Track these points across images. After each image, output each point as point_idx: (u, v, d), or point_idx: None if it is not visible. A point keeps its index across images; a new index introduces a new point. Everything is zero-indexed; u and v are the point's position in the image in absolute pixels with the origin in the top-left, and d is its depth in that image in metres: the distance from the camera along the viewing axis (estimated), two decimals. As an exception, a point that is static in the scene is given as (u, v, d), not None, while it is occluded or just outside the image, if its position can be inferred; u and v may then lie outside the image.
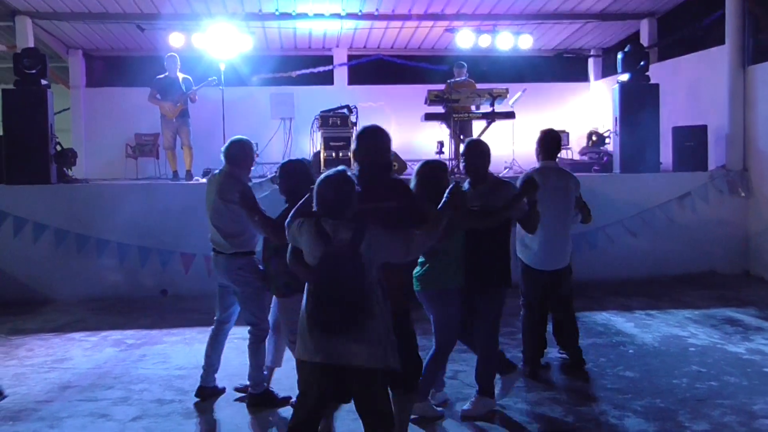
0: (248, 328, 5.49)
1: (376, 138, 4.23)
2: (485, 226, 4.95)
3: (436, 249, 4.77)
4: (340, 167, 3.71)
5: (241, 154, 5.56)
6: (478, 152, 5.22)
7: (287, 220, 3.87)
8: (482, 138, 10.97)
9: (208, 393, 5.60)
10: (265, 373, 5.52)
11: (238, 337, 7.24)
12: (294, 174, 5.19)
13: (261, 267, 5.47)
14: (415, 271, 4.97)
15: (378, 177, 4.09)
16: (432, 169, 4.89)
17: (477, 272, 4.98)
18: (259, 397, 5.44)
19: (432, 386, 5.18)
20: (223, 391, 5.71)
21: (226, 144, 5.62)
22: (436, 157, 12.59)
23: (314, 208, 3.67)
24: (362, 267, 3.49)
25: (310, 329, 3.57)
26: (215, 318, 5.70)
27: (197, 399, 5.55)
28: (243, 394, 5.62)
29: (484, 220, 4.94)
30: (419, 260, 4.98)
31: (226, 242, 5.43)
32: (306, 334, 3.61)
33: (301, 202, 4.00)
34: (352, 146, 4.18)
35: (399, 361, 3.70)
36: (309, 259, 3.67)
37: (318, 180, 3.67)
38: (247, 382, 5.52)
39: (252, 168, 5.81)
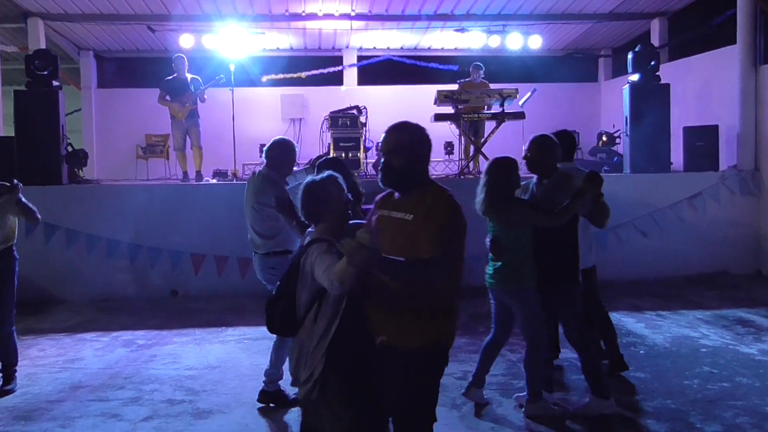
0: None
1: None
2: (556, 224, 4.93)
3: (503, 246, 4.90)
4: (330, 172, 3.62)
5: (281, 156, 5.56)
6: (546, 146, 5.23)
7: None
8: (490, 139, 11.09)
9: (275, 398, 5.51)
10: (281, 373, 5.49)
11: (249, 338, 7.33)
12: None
13: None
14: (487, 269, 5.09)
15: None
16: (503, 166, 5.04)
17: (544, 269, 4.99)
18: (270, 395, 5.45)
19: (543, 385, 5.20)
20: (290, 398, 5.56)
21: (269, 144, 5.62)
22: (446, 158, 12.69)
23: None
24: (294, 279, 3.46)
25: None
26: None
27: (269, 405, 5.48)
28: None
29: (558, 218, 4.90)
30: (489, 257, 5.07)
31: (261, 242, 5.49)
32: None
33: None
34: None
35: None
36: None
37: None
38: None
39: (292, 169, 5.74)
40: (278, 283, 3.51)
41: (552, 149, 5.23)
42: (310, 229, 3.61)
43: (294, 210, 5.07)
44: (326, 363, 3.28)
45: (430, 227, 3.17)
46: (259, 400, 5.45)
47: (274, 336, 6.99)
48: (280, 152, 5.56)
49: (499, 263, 4.98)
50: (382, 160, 3.38)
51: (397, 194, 3.41)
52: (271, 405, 5.43)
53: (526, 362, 5.05)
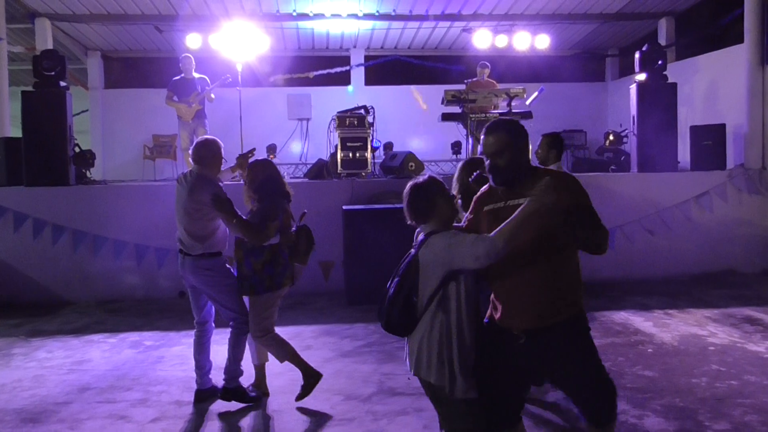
0: (231, 322, 5.52)
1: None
2: None
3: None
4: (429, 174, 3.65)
5: (208, 154, 5.51)
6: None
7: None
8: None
9: (206, 395, 5.59)
10: (241, 369, 5.58)
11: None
12: (264, 175, 5.35)
13: (229, 267, 5.53)
14: None
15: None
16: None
17: None
18: (231, 392, 5.46)
19: None
20: (221, 390, 5.68)
21: (196, 144, 5.60)
22: (453, 158, 12.69)
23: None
24: (416, 273, 3.45)
25: None
26: (195, 321, 5.68)
27: (198, 402, 5.54)
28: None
29: None
30: None
31: (194, 243, 5.39)
32: None
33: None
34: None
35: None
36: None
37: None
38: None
39: (221, 167, 5.71)
40: (395, 280, 3.49)
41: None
42: (418, 229, 3.65)
43: (232, 207, 5.16)
44: (452, 360, 3.39)
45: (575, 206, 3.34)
46: (221, 398, 5.47)
47: (286, 339, 7.06)
48: (206, 150, 5.53)
49: None
50: (488, 162, 3.48)
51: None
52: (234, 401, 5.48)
53: None
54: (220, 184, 5.51)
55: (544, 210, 3.17)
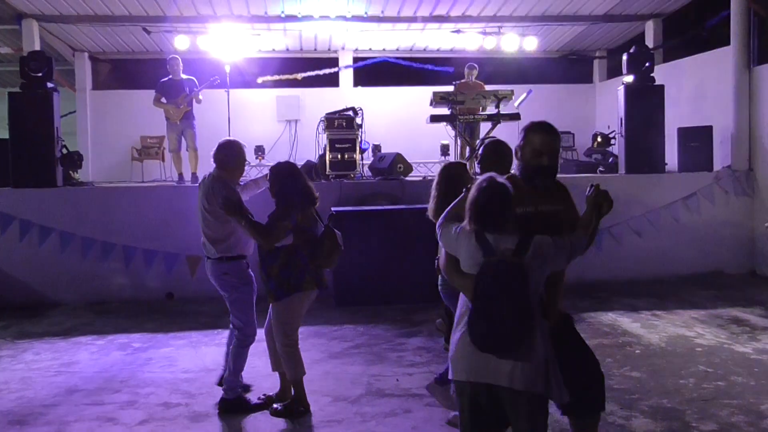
0: (235, 332, 5.44)
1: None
2: None
3: None
4: (490, 174, 3.39)
5: (228, 156, 5.48)
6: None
7: (439, 221, 3.61)
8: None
9: (236, 405, 5.46)
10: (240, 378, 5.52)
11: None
12: (283, 176, 5.25)
13: (250, 271, 5.47)
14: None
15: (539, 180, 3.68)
16: (455, 169, 5.12)
17: None
18: (230, 403, 5.37)
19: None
20: (250, 387, 5.73)
21: (216, 146, 5.55)
22: (442, 159, 12.70)
23: (469, 219, 3.36)
24: (527, 280, 3.19)
25: (464, 346, 3.28)
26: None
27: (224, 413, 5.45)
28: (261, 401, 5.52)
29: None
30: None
31: (212, 247, 5.37)
32: (461, 351, 3.32)
33: (454, 203, 3.63)
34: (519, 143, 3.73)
35: (561, 385, 3.33)
36: (467, 269, 3.36)
37: (475, 187, 3.36)
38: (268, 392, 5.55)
39: (243, 170, 5.73)
40: (499, 302, 3.18)
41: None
42: (457, 227, 3.43)
43: (242, 209, 5.09)
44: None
45: (575, 214, 3.71)
46: (220, 409, 5.37)
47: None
48: (228, 153, 5.49)
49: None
50: (537, 162, 3.55)
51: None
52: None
53: None
54: (234, 186, 5.47)
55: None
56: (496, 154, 4.91)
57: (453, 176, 5.03)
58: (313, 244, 5.18)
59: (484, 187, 3.30)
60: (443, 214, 3.61)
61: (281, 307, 5.16)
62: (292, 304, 5.19)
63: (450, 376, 3.42)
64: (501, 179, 3.34)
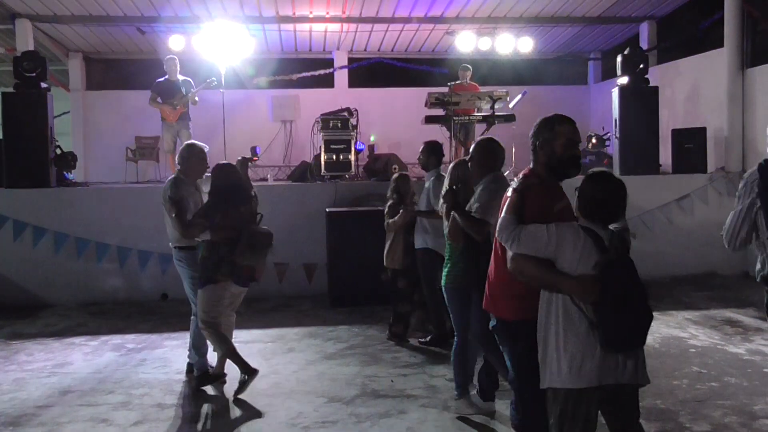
0: (193, 315, 6.06)
1: None
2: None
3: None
4: (601, 169, 3.43)
5: (182, 158, 6.00)
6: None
7: (500, 224, 3.46)
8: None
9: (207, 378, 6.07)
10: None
11: (239, 341, 7.28)
12: (214, 176, 5.71)
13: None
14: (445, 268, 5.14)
15: None
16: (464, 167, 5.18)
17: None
18: (207, 376, 6.03)
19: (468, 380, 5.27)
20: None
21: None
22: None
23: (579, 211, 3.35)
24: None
25: (585, 350, 3.18)
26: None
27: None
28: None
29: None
30: (447, 258, 5.15)
31: (170, 235, 6.08)
32: (582, 357, 3.19)
33: (508, 205, 3.51)
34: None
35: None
36: (576, 268, 3.21)
37: (590, 182, 3.33)
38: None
39: (200, 171, 6.10)
40: (625, 293, 3.17)
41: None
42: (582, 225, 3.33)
43: (176, 204, 5.63)
44: None
45: None
46: (197, 386, 5.94)
47: (268, 341, 7.09)
48: (182, 156, 6.02)
49: (457, 264, 5.09)
50: (574, 152, 3.54)
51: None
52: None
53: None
54: (186, 185, 5.90)
55: None
56: (488, 152, 4.92)
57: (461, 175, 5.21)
58: (232, 242, 5.53)
59: (602, 180, 3.30)
60: (502, 217, 3.45)
61: (201, 295, 5.68)
62: (207, 293, 5.64)
63: (558, 384, 3.25)
64: (607, 171, 3.38)
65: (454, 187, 4.83)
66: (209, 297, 5.64)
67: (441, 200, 4.99)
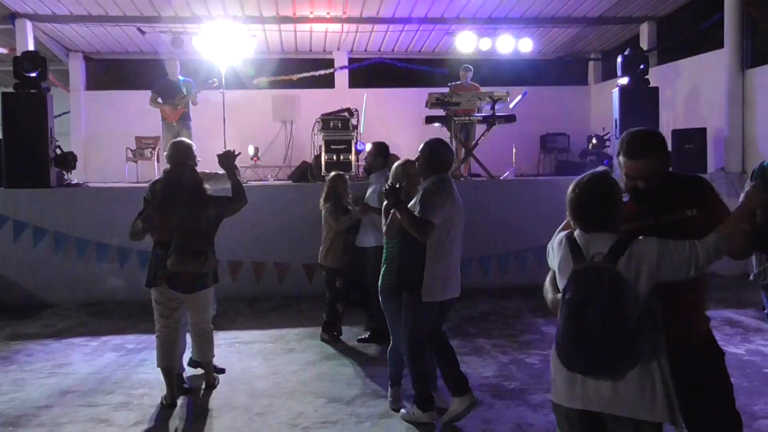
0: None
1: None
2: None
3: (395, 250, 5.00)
4: (601, 168, 3.04)
5: (167, 155, 5.83)
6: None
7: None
8: (481, 141, 11.08)
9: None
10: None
11: (240, 342, 7.32)
12: (165, 173, 5.70)
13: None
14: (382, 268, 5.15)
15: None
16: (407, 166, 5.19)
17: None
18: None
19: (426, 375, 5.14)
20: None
21: None
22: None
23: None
24: (620, 288, 2.76)
25: (559, 368, 2.96)
26: None
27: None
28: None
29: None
30: (384, 258, 5.14)
31: None
32: (557, 373, 3.00)
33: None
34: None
35: (677, 412, 2.85)
36: (560, 281, 3.03)
37: (573, 184, 3.02)
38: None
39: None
40: (592, 311, 2.78)
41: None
42: (557, 240, 3.10)
43: (143, 204, 5.55)
44: (669, 386, 2.87)
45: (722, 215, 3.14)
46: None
47: (269, 342, 7.07)
48: (168, 152, 5.85)
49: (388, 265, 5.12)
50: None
51: None
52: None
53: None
54: (155, 183, 5.83)
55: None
56: (436, 153, 4.89)
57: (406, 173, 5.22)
58: (168, 244, 5.41)
59: (585, 181, 2.97)
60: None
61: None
62: (153, 296, 5.55)
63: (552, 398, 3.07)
64: (605, 172, 2.99)
65: (397, 185, 4.70)
66: (154, 299, 5.56)
67: (383, 196, 4.90)
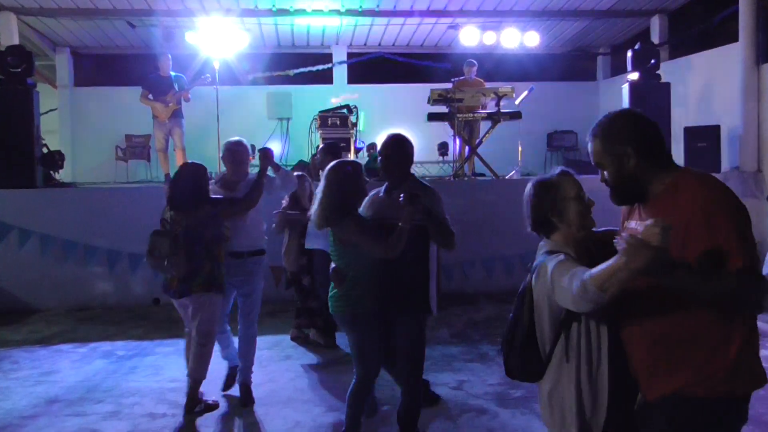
0: None
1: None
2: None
3: (343, 273, 4.32)
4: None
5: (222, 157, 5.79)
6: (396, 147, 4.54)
7: None
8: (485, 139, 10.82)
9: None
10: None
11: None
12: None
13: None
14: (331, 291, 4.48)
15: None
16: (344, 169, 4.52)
17: (393, 297, 4.36)
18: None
19: (358, 427, 4.58)
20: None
21: None
22: (440, 159, 12.47)
23: None
24: (530, 304, 2.76)
25: None
26: None
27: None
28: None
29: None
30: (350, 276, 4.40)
31: None
32: None
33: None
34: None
35: None
36: None
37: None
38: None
39: (236, 169, 5.72)
40: (509, 316, 2.82)
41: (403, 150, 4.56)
42: (541, 242, 2.92)
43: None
44: (585, 418, 2.66)
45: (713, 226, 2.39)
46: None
47: (264, 348, 6.83)
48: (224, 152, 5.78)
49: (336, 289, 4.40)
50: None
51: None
52: None
53: (350, 397, 4.54)
54: (226, 184, 5.70)
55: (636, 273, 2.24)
56: (406, 151, 4.48)
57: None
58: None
59: (535, 180, 2.91)
60: None
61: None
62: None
63: None
64: (556, 175, 2.86)
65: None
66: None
67: (405, 205, 4.14)
